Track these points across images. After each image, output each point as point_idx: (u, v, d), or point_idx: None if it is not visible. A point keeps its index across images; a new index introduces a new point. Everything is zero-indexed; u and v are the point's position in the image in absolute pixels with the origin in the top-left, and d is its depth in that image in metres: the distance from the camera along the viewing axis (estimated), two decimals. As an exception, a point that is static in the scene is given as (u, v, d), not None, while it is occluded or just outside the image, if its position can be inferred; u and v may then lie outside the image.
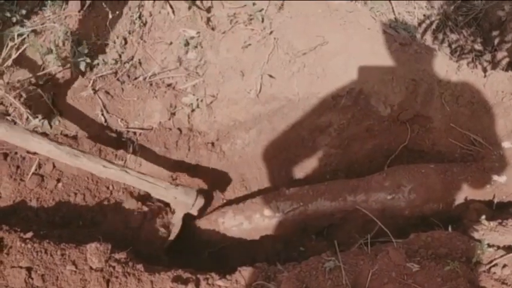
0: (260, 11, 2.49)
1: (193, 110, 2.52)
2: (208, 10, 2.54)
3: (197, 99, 2.48)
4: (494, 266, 1.80)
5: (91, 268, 1.91)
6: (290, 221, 2.41)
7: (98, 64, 2.48)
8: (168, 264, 2.13)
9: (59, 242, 2.00)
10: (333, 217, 2.43)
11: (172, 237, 2.35)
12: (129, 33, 2.54)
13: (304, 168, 2.73)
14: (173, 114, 2.51)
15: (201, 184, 2.71)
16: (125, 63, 2.51)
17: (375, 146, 2.70)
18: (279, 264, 1.98)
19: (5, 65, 2.37)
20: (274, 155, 2.67)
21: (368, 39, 2.50)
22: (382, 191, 2.37)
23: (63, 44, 2.45)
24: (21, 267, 1.87)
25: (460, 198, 2.36)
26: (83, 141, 2.46)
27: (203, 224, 2.50)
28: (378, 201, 2.36)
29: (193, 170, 2.69)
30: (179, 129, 2.56)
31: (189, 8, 2.50)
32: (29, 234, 2.01)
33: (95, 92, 2.44)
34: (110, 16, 2.51)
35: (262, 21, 2.49)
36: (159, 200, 2.42)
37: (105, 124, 2.50)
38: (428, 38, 2.96)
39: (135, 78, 2.51)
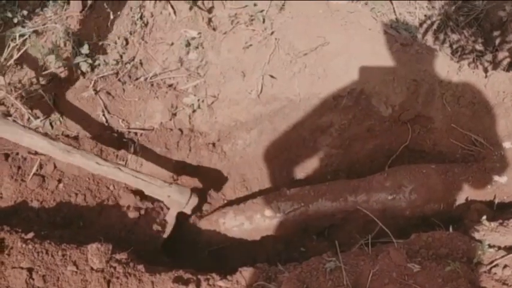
0: (261, 11, 2.49)
1: (194, 111, 2.52)
2: (210, 11, 2.55)
3: (198, 100, 2.49)
4: (495, 266, 1.80)
5: (92, 269, 1.91)
6: (291, 221, 2.41)
7: (99, 65, 2.49)
8: (164, 263, 2.13)
9: (60, 242, 2.00)
10: (333, 217, 2.43)
11: (165, 235, 2.35)
12: (131, 33, 2.54)
13: (305, 169, 2.73)
14: (174, 114, 2.51)
15: (196, 183, 2.71)
16: (126, 63, 2.52)
17: (376, 146, 2.70)
18: (279, 265, 1.98)
19: (7, 65, 2.37)
20: (275, 155, 2.67)
21: (369, 40, 2.51)
22: (383, 191, 2.37)
23: (65, 45, 2.46)
24: (22, 268, 1.87)
25: (461, 199, 2.37)
26: (84, 141, 2.46)
27: (204, 224, 2.50)
28: (378, 201, 2.36)
29: (195, 171, 2.70)
30: (180, 129, 2.56)
31: (191, 8, 2.51)
32: (30, 235, 2.01)
33: (96, 92, 2.44)
34: (111, 17, 2.51)
35: (264, 21, 2.49)
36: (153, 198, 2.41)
37: (106, 124, 2.50)
38: (429, 39, 2.96)
39: (137, 79, 2.52)
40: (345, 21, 2.52)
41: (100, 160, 2.12)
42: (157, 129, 2.54)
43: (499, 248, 1.88)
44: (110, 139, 2.52)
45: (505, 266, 1.79)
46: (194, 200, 2.35)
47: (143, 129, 2.54)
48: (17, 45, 2.41)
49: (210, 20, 2.53)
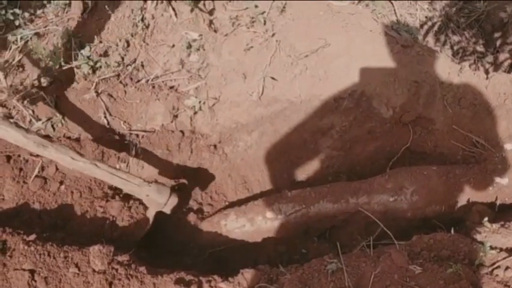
0: (262, 13, 2.49)
1: (195, 113, 2.52)
2: (211, 13, 2.55)
3: (199, 102, 2.49)
4: (496, 268, 1.80)
5: (94, 270, 1.91)
6: (292, 223, 2.41)
7: (100, 67, 2.49)
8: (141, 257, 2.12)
9: (61, 244, 2.01)
10: (335, 219, 2.43)
11: (141, 234, 2.31)
12: (132, 35, 2.54)
13: (306, 171, 2.73)
14: (175, 116, 2.51)
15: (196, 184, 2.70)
16: (127, 65, 2.52)
17: (377, 148, 2.70)
18: (281, 267, 1.98)
19: (8, 67, 2.38)
20: (276, 157, 2.67)
21: (370, 41, 2.51)
22: (385, 193, 2.37)
23: (66, 47, 2.46)
24: (24, 270, 1.88)
25: (462, 200, 2.36)
26: (85, 143, 2.47)
27: (205, 226, 2.50)
28: (380, 203, 2.36)
29: (196, 173, 2.70)
30: (181, 131, 2.56)
31: (192, 10, 2.51)
32: (32, 237, 2.01)
33: (98, 94, 2.45)
34: (113, 19, 2.52)
35: (264, 23, 2.50)
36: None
37: (107, 126, 2.51)
38: (430, 40, 2.95)
39: (138, 81, 2.52)
40: (346, 22, 2.53)
41: (75, 155, 2.06)
42: (159, 131, 2.54)
43: (501, 249, 1.88)
44: (112, 141, 2.52)
45: (507, 268, 1.79)
46: (174, 200, 2.29)
47: (144, 131, 2.55)
48: (18, 47, 2.42)
49: (211, 22, 2.54)
